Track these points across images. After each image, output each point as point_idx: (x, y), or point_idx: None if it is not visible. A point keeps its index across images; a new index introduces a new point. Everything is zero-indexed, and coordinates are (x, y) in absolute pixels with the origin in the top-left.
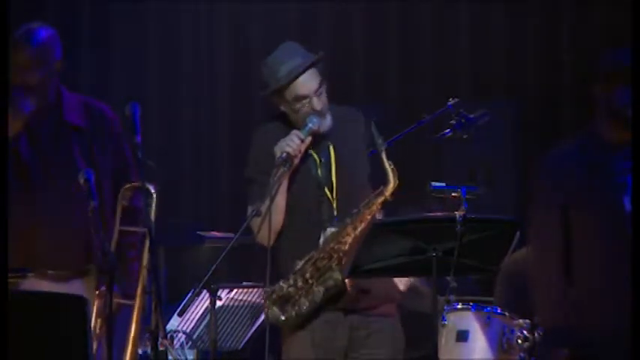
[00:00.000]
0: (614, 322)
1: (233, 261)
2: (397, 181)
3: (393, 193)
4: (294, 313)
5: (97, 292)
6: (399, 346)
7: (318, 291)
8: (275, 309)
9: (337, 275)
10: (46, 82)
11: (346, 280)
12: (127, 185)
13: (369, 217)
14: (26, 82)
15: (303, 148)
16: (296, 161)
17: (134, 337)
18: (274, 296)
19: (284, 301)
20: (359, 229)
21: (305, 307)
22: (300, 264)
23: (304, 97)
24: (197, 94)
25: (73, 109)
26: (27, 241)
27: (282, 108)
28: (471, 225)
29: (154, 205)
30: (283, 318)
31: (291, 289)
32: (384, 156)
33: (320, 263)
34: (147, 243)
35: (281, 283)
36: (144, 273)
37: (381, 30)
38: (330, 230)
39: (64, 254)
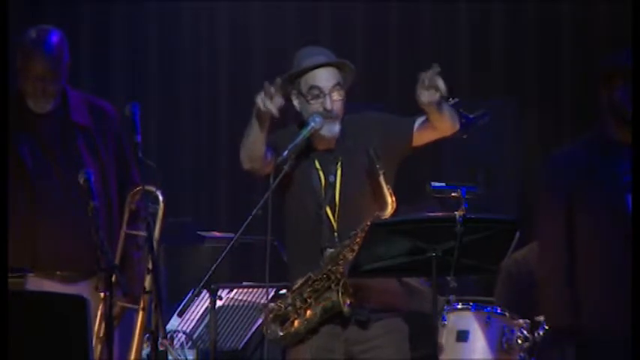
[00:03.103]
0: (616, 321)
1: (233, 261)
2: (395, 206)
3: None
4: (292, 331)
5: (102, 296)
6: (403, 353)
7: (316, 312)
8: (273, 326)
9: (335, 297)
10: (61, 86)
11: (346, 302)
12: (136, 189)
13: None
14: (44, 91)
15: (274, 104)
16: (271, 108)
17: (138, 342)
18: (272, 315)
19: (282, 319)
20: (356, 252)
21: (302, 327)
22: (298, 283)
23: (318, 89)
24: (197, 94)
25: (79, 108)
26: (35, 241)
27: (296, 104)
28: (471, 225)
29: (161, 210)
30: (281, 334)
31: (289, 309)
32: (382, 180)
33: (318, 284)
34: (147, 244)
35: (279, 303)
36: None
37: (381, 30)
38: (329, 251)
39: (72, 255)
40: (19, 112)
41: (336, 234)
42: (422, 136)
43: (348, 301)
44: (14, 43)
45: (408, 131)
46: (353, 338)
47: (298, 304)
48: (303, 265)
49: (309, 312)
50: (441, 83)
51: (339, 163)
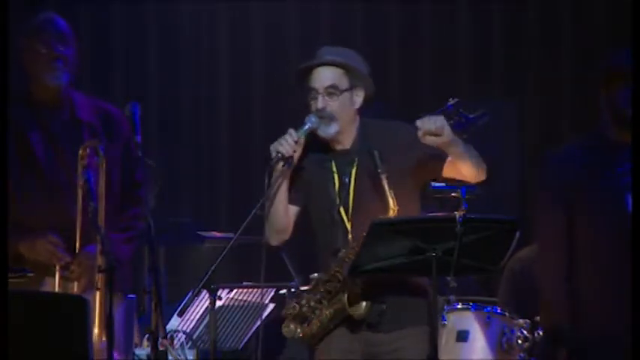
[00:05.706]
0: (615, 321)
1: (233, 261)
2: (397, 209)
3: None
4: (309, 332)
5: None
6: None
7: (329, 313)
8: (292, 325)
9: (345, 299)
10: (74, 57)
11: (356, 304)
12: (84, 146)
13: None
14: (55, 54)
15: (298, 147)
16: (296, 156)
17: (100, 299)
18: (291, 314)
19: (300, 319)
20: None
21: (316, 328)
22: (311, 285)
23: (314, 90)
24: (197, 94)
25: (84, 107)
26: (50, 228)
27: None
28: (471, 225)
29: (102, 164)
30: (300, 333)
31: (304, 309)
32: (385, 183)
33: (330, 286)
34: (147, 244)
35: (294, 303)
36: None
37: (381, 30)
38: (342, 252)
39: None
40: (27, 106)
41: (350, 235)
42: (448, 172)
43: (363, 303)
44: (17, 31)
45: (440, 163)
46: (373, 340)
47: (313, 304)
48: (322, 266)
49: (322, 314)
50: (438, 128)
51: (355, 164)
